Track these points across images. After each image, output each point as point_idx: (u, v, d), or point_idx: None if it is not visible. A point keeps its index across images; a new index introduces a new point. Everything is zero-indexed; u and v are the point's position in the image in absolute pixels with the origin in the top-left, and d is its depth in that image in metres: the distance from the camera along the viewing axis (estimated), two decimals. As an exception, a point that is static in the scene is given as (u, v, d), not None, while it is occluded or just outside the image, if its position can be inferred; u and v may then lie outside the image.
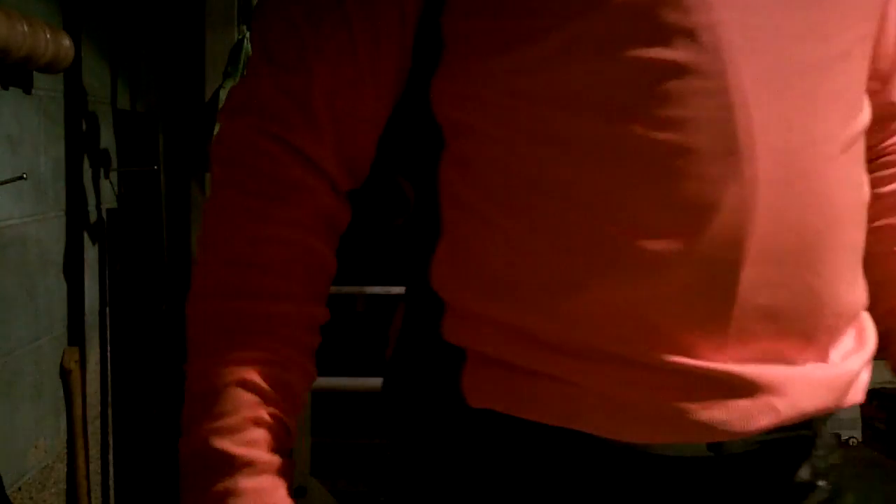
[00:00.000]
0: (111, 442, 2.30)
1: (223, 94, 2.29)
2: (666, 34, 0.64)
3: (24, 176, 1.75)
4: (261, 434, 0.69)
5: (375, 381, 2.25)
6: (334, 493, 2.46)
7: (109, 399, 2.28)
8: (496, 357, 0.69)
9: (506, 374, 0.69)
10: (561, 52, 0.65)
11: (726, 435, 0.67)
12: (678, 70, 0.64)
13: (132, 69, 2.38)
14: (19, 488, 1.83)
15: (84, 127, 2.10)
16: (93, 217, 2.17)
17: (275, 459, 0.69)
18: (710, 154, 0.64)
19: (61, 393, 2.01)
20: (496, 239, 0.69)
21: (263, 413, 0.69)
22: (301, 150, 0.72)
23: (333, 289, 0.78)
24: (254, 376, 0.69)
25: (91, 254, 2.17)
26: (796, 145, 0.67)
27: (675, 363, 0.66)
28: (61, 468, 2.02)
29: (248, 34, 2.31)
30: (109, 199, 2.27)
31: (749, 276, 0.66)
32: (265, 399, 0.69)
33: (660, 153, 0.65)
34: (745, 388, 0.67)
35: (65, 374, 2.00)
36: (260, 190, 0.72)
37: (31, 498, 1.88)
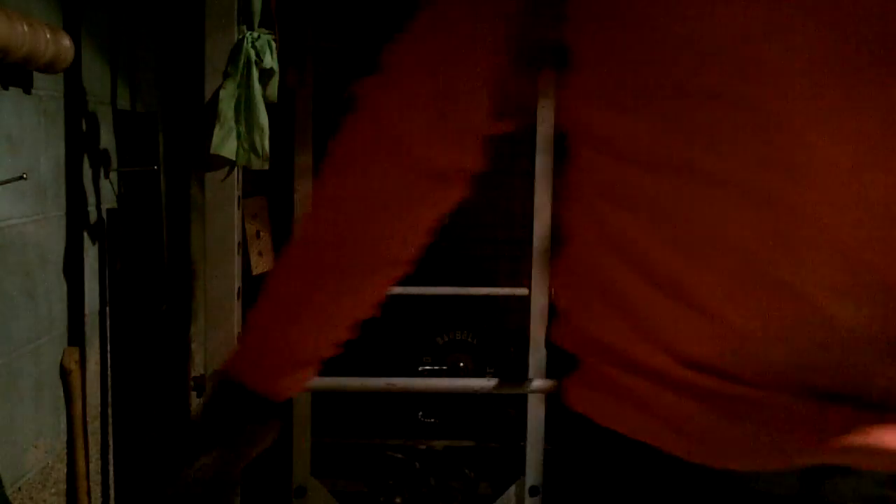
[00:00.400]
0: (111, 442, 2.30)
1: (223, 94, 2.28)
2: (708, 60, 0.58)
3: (24, 176, 1.76)
4: None
5: (375, 382, 2.24)
6: (334, 493, 2.46)
7: (109, 399, 2.28)
8: (593, 365, 0.69)
9: (599, 384, 0.69)
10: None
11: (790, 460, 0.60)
12: (730, 107, 0.58)
13: (132, 69, 2.38)
14: (19, 488, 1.83)
15: (84, 127, 2.10)
16: (93, 217, 2.17)
17: None
18: (751, 213, 0.58)
19: (61, 393, 2.01)
20: (587, 262, 0.69)
21: None
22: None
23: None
24: None
25: (91, 254, 2.17)
26: (882, 191, 0.56)
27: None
28: (61, 468, 2.02)
29: (248, 34, 2.30)
30: (109, 199, 2.27)
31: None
32: None
33: (698, 205, 0.60)
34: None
35: (65, 374, 2.01)
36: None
37: (31, 498, 1.88)
